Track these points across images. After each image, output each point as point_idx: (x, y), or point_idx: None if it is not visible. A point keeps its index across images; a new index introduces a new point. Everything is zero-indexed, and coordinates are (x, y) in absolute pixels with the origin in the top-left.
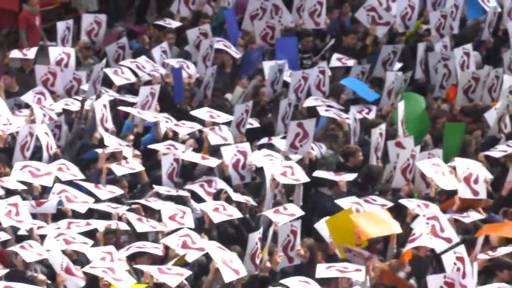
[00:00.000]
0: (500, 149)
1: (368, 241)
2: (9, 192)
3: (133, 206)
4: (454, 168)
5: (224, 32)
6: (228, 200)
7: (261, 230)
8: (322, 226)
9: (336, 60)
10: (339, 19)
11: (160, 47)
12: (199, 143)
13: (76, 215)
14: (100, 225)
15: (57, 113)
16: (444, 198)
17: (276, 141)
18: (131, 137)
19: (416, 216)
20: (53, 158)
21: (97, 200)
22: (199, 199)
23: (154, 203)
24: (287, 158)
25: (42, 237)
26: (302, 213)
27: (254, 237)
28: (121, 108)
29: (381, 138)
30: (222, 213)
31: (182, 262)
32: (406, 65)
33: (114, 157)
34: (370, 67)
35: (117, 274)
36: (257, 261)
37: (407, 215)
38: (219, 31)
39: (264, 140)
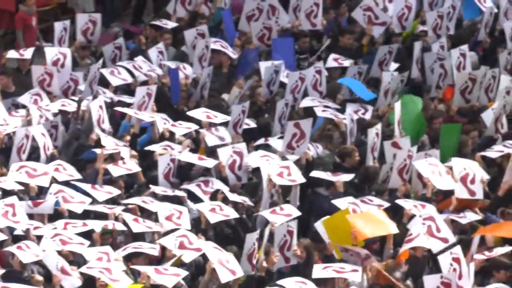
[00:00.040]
0: (497, 149)
1: (365, 241)
2: (6, 193)
3: (129, 206)
4: (450, 168)
5: (221, 32)
6: (225, 200)
7: (258, 230)
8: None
9: (333, 60)
10: (336, 20)
11: (156, 47)
12: (196, 143)
13: (72, 215)
14: (96, 225)
15: (54, 114)
16: (441, 198)
17: (273, 141)
18: (128, 137)
19: (413, 216)
20: (50, 158)
21: (94, 201)
22: (196, 200)
23: (150, 204)
24: (284, 158)
25: (39, 238)
26: (298, 213)
27: (252, 238)
28: (117, 108)
29: (377, 138)
30: (218, 213)
31: (179, 263)
32: (402, 65)
33: (112, 157)
34: (367, 68)
35: (114, 275)
36: (254, 262)
37: (403, 215)
38: (216, 31)
39: (261, 141)
